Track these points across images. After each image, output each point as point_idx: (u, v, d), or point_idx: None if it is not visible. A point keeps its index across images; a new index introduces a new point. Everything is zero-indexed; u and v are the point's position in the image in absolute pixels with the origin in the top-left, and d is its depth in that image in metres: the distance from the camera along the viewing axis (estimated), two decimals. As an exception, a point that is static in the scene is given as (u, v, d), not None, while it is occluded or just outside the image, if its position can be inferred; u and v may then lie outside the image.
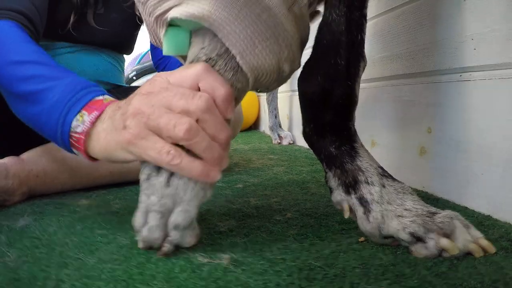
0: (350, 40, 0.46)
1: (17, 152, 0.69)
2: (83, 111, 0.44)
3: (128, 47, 1.00)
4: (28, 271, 0.39)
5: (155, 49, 1.03)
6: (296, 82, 0.49)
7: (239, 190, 0.72)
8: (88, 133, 0.44)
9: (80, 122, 0.43)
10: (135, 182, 0.70)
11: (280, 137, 1.49)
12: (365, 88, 0.86)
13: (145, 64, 1.89)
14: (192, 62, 0.41)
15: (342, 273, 0.38)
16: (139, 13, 0.65)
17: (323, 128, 0.47)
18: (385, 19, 0.76)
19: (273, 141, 1.50)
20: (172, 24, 0.41)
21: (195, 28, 0.42)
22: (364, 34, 0.47)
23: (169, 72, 0.41)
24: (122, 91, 0.65)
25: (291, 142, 1.47)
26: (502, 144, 0.51)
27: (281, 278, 0.37)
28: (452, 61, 0.59)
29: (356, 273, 0.37)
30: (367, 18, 0.48)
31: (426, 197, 0.62)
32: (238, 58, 0.40)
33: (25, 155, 0.68)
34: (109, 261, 0.41)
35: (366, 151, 0.48)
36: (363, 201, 0.44)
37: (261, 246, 0.45)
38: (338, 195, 0.46)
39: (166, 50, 0.43)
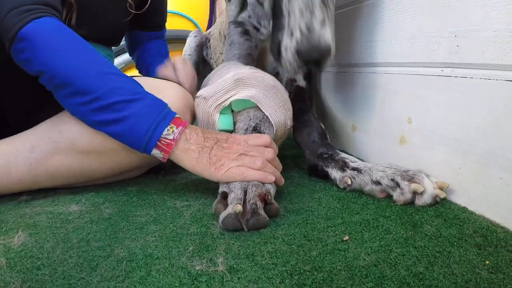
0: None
1: None
2: (172, 125, 0.61)
3: (119, 38, 0.98)
4: (36, 298, 0.40)
5: (131, 35, 1.04)
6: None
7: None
8: (177, 141, 0.61)
9: (171, 132, 0.61)
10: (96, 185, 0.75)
11: None
12: (345, 73, 0.87)
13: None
14: (247, 129, 0.68)
15: (329, 276, 0.41)
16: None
17: (315, 146, 0.74)
18: (370, 5, 0.76)
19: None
20: (221, 112, 0.70)
21: (238, 110, 0.70)
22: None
23: (244, 137, 0.64)
24: None
25: None
26: (479, 141, 0.53)
27: (274, 286, 0.40)
28: (434, 56, 0.60)
29: (342, 276, 0.41)
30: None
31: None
32: (271, 118, 0.69)
33: None
34: (112, 279, 0.43)
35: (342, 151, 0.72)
36: (354, 169, 0.65)
37: (252, 250, 0.48)
38: (339, 175, 0.67)
39: (221, 126, 0.70)
